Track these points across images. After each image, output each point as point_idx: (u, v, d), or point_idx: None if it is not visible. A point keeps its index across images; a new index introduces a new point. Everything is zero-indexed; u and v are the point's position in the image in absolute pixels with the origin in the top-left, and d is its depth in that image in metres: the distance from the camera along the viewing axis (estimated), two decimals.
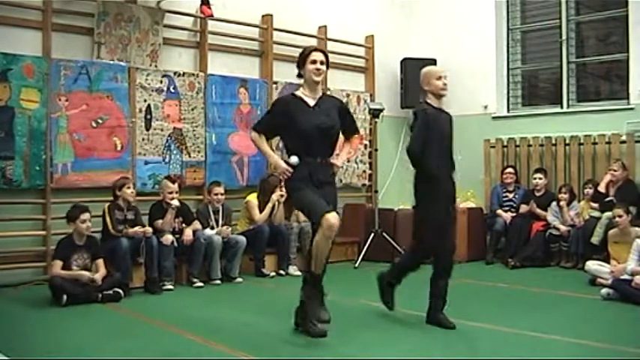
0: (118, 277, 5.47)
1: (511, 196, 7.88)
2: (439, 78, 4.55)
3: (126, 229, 5.82)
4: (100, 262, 5.47)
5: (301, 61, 4.22)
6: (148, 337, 4.33)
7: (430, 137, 4.44)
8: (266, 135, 4.31)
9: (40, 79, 6.00)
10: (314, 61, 4.16)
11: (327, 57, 4.25)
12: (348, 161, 8.42)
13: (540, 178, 7.64)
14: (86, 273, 5.28)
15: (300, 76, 4.27)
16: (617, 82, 7.99)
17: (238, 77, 7.41)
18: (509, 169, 7.99)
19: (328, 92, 8.03)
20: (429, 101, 4.58)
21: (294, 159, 4.12)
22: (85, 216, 5.39)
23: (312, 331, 4.02)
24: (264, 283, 6.40)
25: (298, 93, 4.27)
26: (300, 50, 4.33)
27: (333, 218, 3.91)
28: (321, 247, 4.01)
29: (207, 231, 6.35)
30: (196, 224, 6.30)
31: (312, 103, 4.22)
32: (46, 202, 6.06)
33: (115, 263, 5.62)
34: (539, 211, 7.49)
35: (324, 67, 4.20)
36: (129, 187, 5.93)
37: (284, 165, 4.14)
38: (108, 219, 5.76)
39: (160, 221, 6.06)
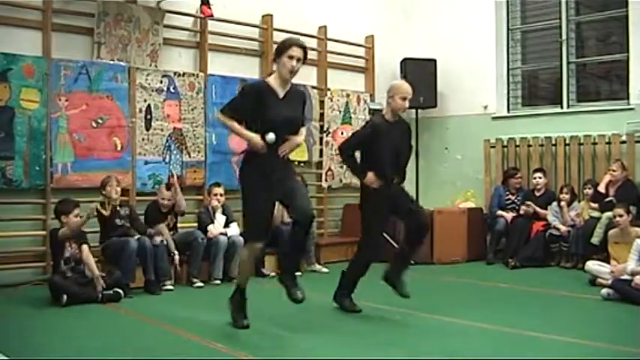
0: (118, 277, 5.47)
1: (513, 197, 7.85)
2: (404, 99, 4.69)
3: (123, 224, 5.85)
4: (85, 247, 5.38)
5: (280, 51, 4.19)
6: (148, 337, 4.33)
7: (376, 147, 4.66)
8: (233, 119, 4.26)
9: (40, 79, 6.00)
10: (291, 57, 4.13)
11: (305, 53, 4.22)
12: None
13: (540, 177, 7.63)
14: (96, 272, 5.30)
15: (275, 62, 4.24)
16: (617, 82, 7.99)
17: (238, 77, 7.41)
18: (519, 175, 7.90)
19: (327, 93, 8.05)
20: (384, 113, 4.78)
21: (270, 135, 4.07)
22: (77, 211, 5.40)
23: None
24: (264, 283, 6.39)
25: (270, 81, 4.26)
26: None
27: (259, 245, 4.20)
28: (246, 265, 4.35)
29: (213, 230, 6.36)
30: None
31: (281, 94, 4.23)
32: (46, 202, 6.06)
33: (120, 263, 5.62)
34: (538, 209, 7.46)
35: (299, 65, 4.18)
36: (111, 186, 5.89)
37: (260, 141, 4.09)
38: (103, 211, 5.72)
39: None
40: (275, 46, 7.49)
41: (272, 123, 4.10)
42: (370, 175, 4.66)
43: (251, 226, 4.27)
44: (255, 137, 4.10)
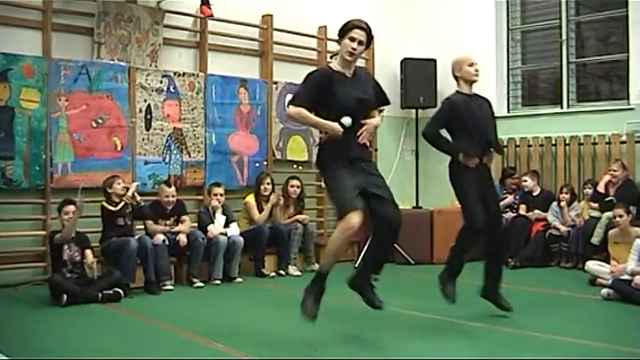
0: (118, 276, 5.47)
1: (511, 197, 7.85)
2: (471, 64, 4.68)
3: (125, 223, 5.88)
4: (88, 251, 5.48)
5: (342, 32, 4.04)
6: (148, 337, 4.34)
7: (459, 123, 4.58)
8: (302, 107, 4.00)
9: (40, 79, 6.00)
10: (352, 39, 3.97)
11: (370, 36, 4.02)
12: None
13: (525, 180, 7.65)
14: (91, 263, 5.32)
15: (338, 44, 4.11)
16: (617, 82, 7.99)
17: (238, 77, 7.41)
18: (516, 175, 7.93)
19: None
20: (459, 89, 4.71)
21: (347, 119, 3.90)
22: (68, 208, 5.42)
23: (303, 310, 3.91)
24: (264, 283, 6.40)
25: (333, 66, 4.09)
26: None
27: (355, 218, 3.77)
28: (335, 244, 3.90)
29: (213, 230, 6.36)
30: (186, 223, 6.31)
31: (348, 75, 4.06)
32: (46, 202, 6.06)
33: (120, 263, 5.62)
34: (529, 214, 7.49)
35: (361, 48, 3.99)
36: (119, 183, 5.96)
37: (338, 127, 3.89)
38: (110, 207, 5.79)
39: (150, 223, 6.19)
40: (275, 45, 7.69)
41: (345, 104, 3.94)
42: (462, 155, 4.55)
43: (341, 197, 3.87)
44: (333, 124, 3.91)
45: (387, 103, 4.34)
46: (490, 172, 4.75)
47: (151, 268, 5.78)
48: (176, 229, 6.20)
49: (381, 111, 8.00)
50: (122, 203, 5.86)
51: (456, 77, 4.74)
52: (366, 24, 4.05)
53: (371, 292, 4.08)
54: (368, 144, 4.13)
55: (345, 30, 4.02)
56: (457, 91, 4.73)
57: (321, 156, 4.11)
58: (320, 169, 4.17)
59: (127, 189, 6.01)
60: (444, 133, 4.74)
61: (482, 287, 4.81)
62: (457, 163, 4.61)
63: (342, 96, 3.95)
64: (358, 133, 3.98)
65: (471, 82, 4.72)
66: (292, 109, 4.02)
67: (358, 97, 4.00)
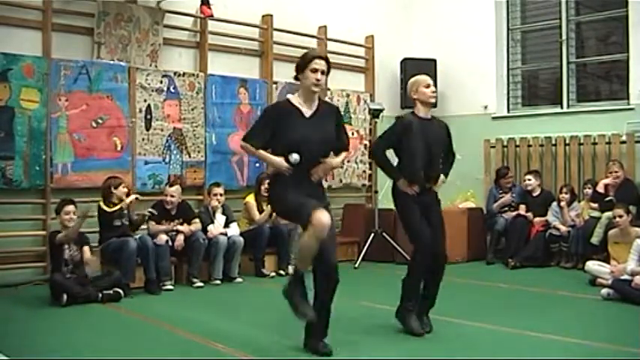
0: (118, 276, 5.47)
1: (508, 196, 7.84)
2: (427, 86, 4.47)
3: (122, 223, 5.86)
4: (86, 248, 5.48)
5: (302, 65, 3.85)
6: (148, 337, 4.34)
7: (407, 146, 4.37)
8: (255, 146, 3.93)
9: (40, 79, 6.01)
10: (315, 70, 3.80)
11: (329, 65, 3.89)
12: (348, 161, 8.42)
13: (530, 180, 7.63)
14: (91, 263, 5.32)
15: (297, 79, 3.95)
16: (617, 82, 7.99)
17: (238, 77, 7.42)
18: (510, 175, 7.95)
19: (327, 93, 8.06)
20: (415, 111, 4.51)
21: (294, 156, 3.79)
22: (68, 208, 5.42)
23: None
24: (264, 283, 6.40)
25: (294, 100, 3.91)
26: (301, 51, 4.17)
27: (323, 216, 3.60)
28: (308, 248, 3.71)
29: (213, 230, 6.36)
30: (196, 225, 6.30)
31: (308, 113, 3.88)
32: (46, 202, 6.06)
33: (119, 263, 5.62)
34: (528, 214, 7.50)
35: (324, 78, 3.86)
36: (124, 187, 5.98)
37: (284, 164, 3.78)
38: (106, 207, 5.78)
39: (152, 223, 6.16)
40: (275, 45, 7.70)
41: (298, 146, 3.76)
42: (403, 182, 4.35)
43: (298, 207, 3.70)
44: (278, 160, 3.79)
45: (344, 149, 4.05)
46: (437, 197, 4.52)
47: (152, 267, 5.79)
48: (183, 228, 6.18)
49: (379, 112, 8.02)
50: (118, 207, 5.83)
51: (413, 99, 4.53)
52: (324, 54, 3.96)
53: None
54: (320, 183, 3.99)
55: (304, 63, 3.84)
56: (413, 113, 4.51)
57: (270, 189, 4.03)
58: (270, 201, 4.06)
59: (128, 194, 6.00)
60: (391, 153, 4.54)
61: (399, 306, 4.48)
62: (396, 188, 4.42)
63: (296, 135, 3.80)
64: (312, 171, 3.83)
65: (428, 104, 4.50)
66: (242, 144, 4.01)
67: (314, 137, 3.82)
